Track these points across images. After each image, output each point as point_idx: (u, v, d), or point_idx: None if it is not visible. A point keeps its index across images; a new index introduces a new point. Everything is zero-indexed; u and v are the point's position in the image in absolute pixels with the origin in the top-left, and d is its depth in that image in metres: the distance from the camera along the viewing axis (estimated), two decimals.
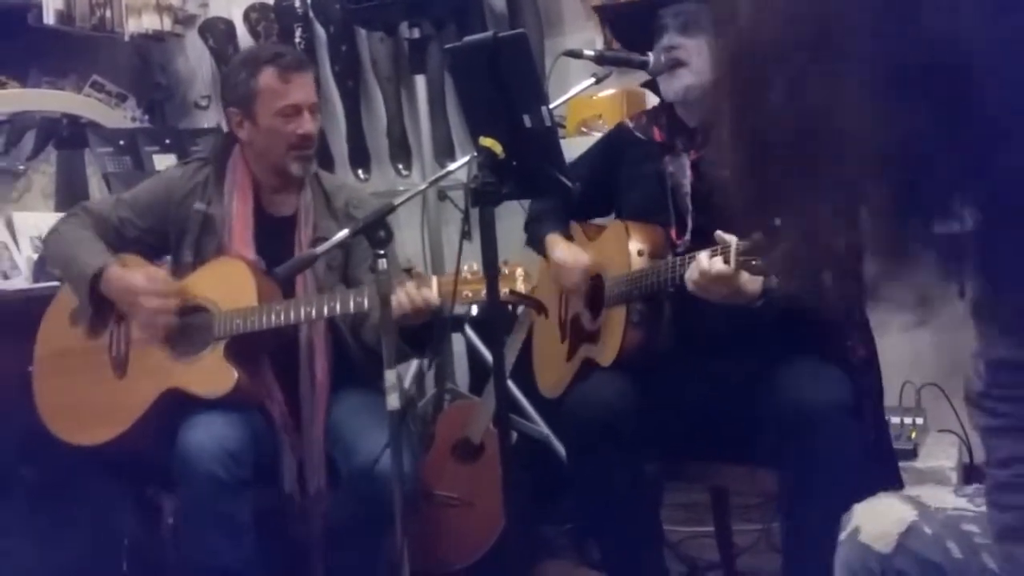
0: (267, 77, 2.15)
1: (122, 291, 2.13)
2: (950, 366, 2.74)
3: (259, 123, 2.17)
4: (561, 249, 2.11)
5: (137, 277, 2.13)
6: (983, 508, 1.04)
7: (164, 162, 3.21)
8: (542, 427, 2.67)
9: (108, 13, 3.41)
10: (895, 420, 2.45)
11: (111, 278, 2.14)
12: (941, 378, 2.68)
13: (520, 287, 1.91)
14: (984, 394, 0.73)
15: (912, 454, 2.40)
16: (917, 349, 2.77)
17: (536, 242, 2.18)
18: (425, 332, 2.07)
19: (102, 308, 2.19)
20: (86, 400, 2.19)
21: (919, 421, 2.51)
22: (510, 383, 2.61)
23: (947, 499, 1.07)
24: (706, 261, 1.67)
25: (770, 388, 1.78)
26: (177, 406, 2.09)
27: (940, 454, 2.46)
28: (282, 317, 2.07)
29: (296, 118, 2.15)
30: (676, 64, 1.93)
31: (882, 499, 1.10)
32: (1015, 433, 0.71)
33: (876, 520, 1.05)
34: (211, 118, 3.64)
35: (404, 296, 1.91)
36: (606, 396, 1.89)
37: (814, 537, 1.59)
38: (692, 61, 1.92)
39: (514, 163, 1.67)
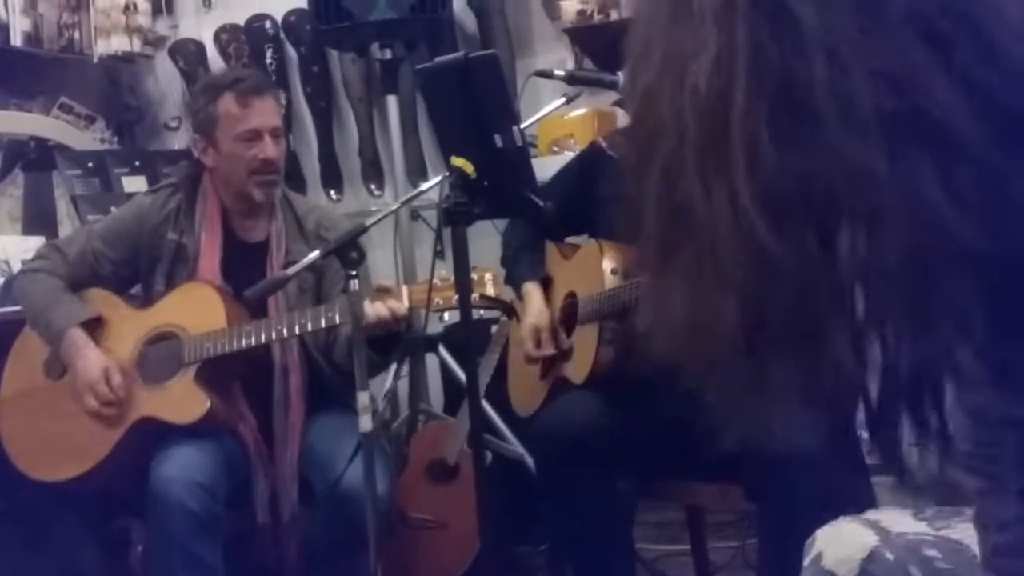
0: (226, 102, 2.14)
1: (73, 366, 2.12)
2: None
3: (220, 149, 2.17)
4: (529, 327, 2.10)
5: (93, 367, 2.09)
6: (943, 532, 1.05)
7: (133, 184, 3.18)
8: (517, 447, 2.66)
9: (76, 35, 3.39)
10: (865, 434, 2.46)
11: (70, 345, 2.12)
12: None
13: (489, 290, 1.92)
14: (972, 454, 0.70)
15: (881, 467, 2.40)
16: None
17: (514, 286, 2.18)
18: (391, 338, 2.07)
19: None
20: (55, 436, 2.15)
21: None
22: (484, 403, 2.60)
23: (907, 523, 1.08)
24: None
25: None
26: (149, 435, 2.07)
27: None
28: (252, 338, 2.05)
29: (257, 143, 2.14)
30: None
31: (843, 524, 1.11)
32: (1006, 494, 0.69)
33: (838, 546, 1.06)
34: (181, 140, 3.61)
35: (371, 310, 1.91)
36: (577, 414, 1.89)
37: (792, 561, 1.59)
38: None
39: (485, 183, 1.67)
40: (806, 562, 1.09)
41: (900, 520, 1.09)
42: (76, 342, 2.12)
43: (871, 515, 1.12)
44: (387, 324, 1.94)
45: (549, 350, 2.09)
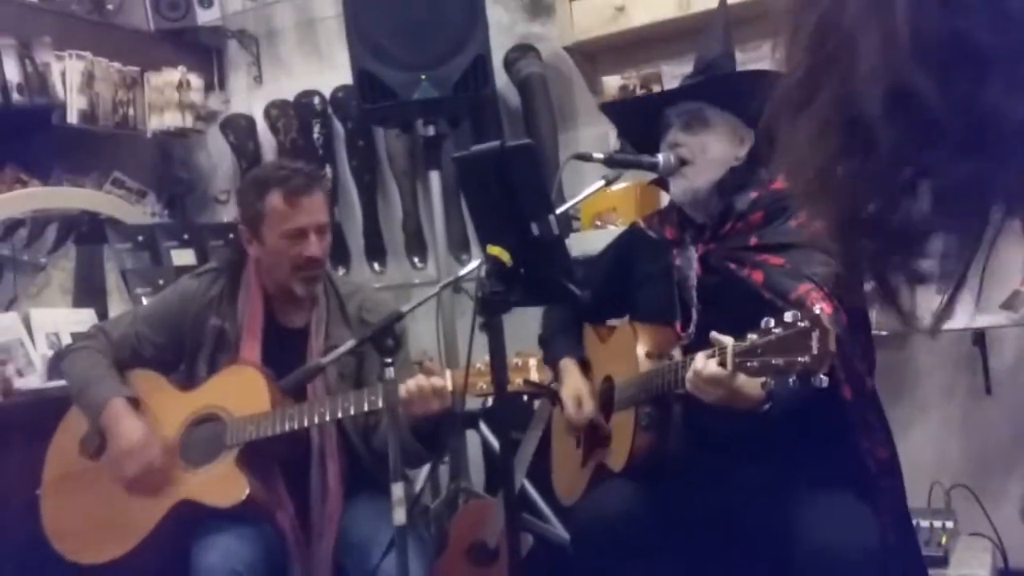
0: (274, 199, 2.16)
1: (113, 433, 2.12)
2: (980, 466, 2.65)
3: (266, 243, 2.19)
4: (570, 391, 2.07)
5: (134, 432, 2.11)
6: None
7: (182, 257, 3.23)
8: (560, 530, 2.60)
9: (131, 111, 3.48)
10: (924, 524, 2.36)
11: (111, 414, 2.13)
12: (971, 478, 2.58)
13: (534, 376, 1.89)
14: None
15: (943, 561, 2.30)
16: (944, 449, 2.69)
17: (551, 364, 2.15)
18: (438, 431, 2.04)
19: None
20: (96, 518, 2.16)
21: (949, 524, 2.41)
22: (527, 483, 2.55)
23: None
24: (701, 362, 1.64)
25: (793, 527, 1.70)
26: (189, 517, 2.06)
27: (972, 560, 2.35)
28: (295, 421, 2.04)
29: (302, 241, 2.16)
30: (680, 163, 1.94)
31: None
32: None
33: None
34: (231, 212, 3.67)
35: (414, 385, 1.89)
36: (613, 502, 1.85)
37: None
38: (696, 159, 1.94)
39: (522, 271, 1.65)
40: None
41: None
42: (118, 411, 2.13)
43: None
44: (427, 398, 1.92)
45: (591, 408, 2.03)
